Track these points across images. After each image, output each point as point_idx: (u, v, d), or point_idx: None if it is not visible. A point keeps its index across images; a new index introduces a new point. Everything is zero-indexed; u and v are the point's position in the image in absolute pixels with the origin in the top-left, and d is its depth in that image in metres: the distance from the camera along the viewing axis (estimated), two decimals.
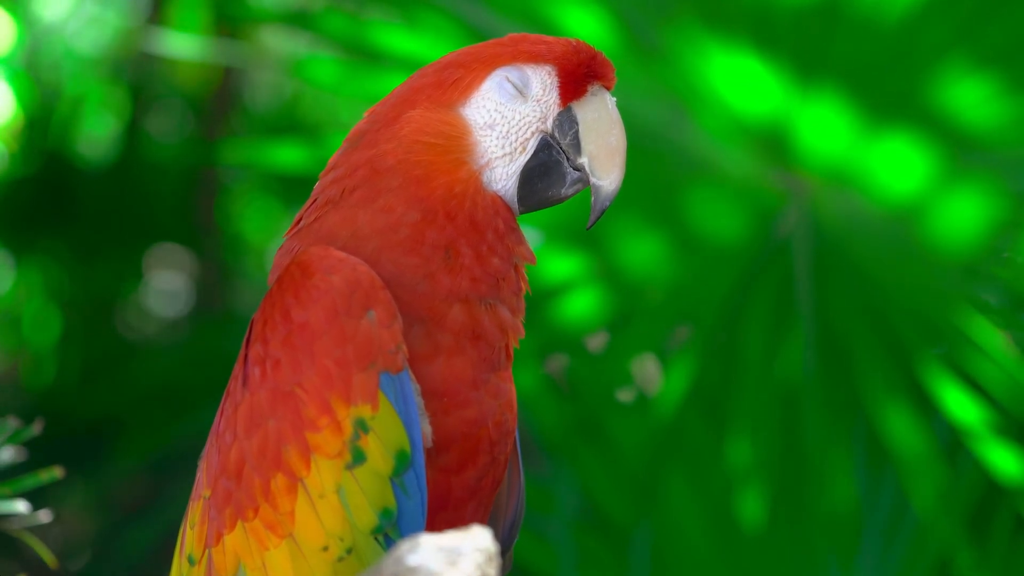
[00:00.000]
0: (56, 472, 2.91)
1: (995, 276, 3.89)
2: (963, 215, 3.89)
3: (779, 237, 4.03)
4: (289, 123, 7.88)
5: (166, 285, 7.65)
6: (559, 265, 4.13)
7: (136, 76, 7.58)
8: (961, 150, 3.88)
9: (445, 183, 2.27)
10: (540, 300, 4.09)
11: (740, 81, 3.98)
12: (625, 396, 4.30)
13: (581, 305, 4.15)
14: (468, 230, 2.27)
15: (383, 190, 2.28)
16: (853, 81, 3.92)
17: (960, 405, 3.92)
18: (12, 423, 2.92)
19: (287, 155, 4.43)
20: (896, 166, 3.93)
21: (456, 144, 2.29)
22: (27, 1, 7.55)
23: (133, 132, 7.32)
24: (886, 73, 3.92)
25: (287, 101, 8.24)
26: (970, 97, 3.87)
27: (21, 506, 2.88)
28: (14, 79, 7.05)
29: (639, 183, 4.04)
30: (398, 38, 4.08)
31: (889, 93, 3.93)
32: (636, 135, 3.58)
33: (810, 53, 3.92)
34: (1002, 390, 3.89)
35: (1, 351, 7.57)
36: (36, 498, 3.03)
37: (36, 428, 2.92)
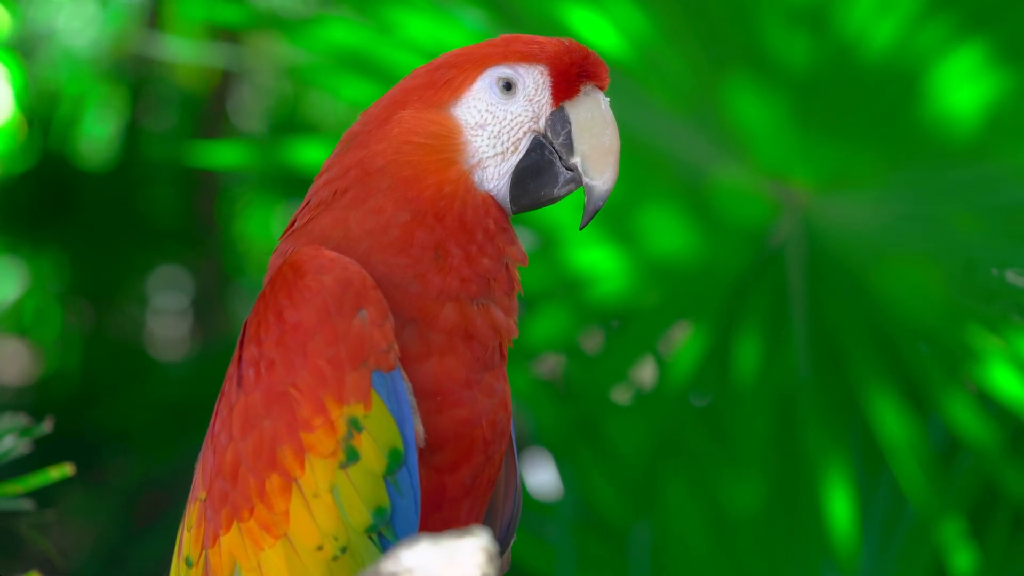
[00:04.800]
0: (66, 469, 2.90)
1: (989, 284, 3.90)
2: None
3: (773, 246, 4.03)
4: (288, 124, 7.89)
5: (166, 286, 7.66)
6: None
7: (135, 76, 7.59)
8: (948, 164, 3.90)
9: (434, 183, 2.27)
10: (534, 301, 4.10)
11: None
12: (623, 397, 4.30)
13: (576, 308, 4.16)
14: (457, 231, 2.27)
15: (374, 191, 2.28)
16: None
17: (956, 409, 3.92)
18: (22, 420, 2.91)
19: (286, 156, 4.44)
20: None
21: (446, 144, 2.28)
22: (27, 1, 7.56)
23: (133, 132, 7.33)
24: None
25: (286, 102, 8.25)
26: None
27: (27, 504, 2.87)
28: (14, 79, 7.06)
29: (636, 188, 4.05)
30: (391, 42, 4.09)
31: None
32: (633, 142, 3.61)
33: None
34: (998, 395, 3.90)
35: (1, 350, 7.58)
36: (43, 503, 3.02)
37: (47, 426, 2.91)
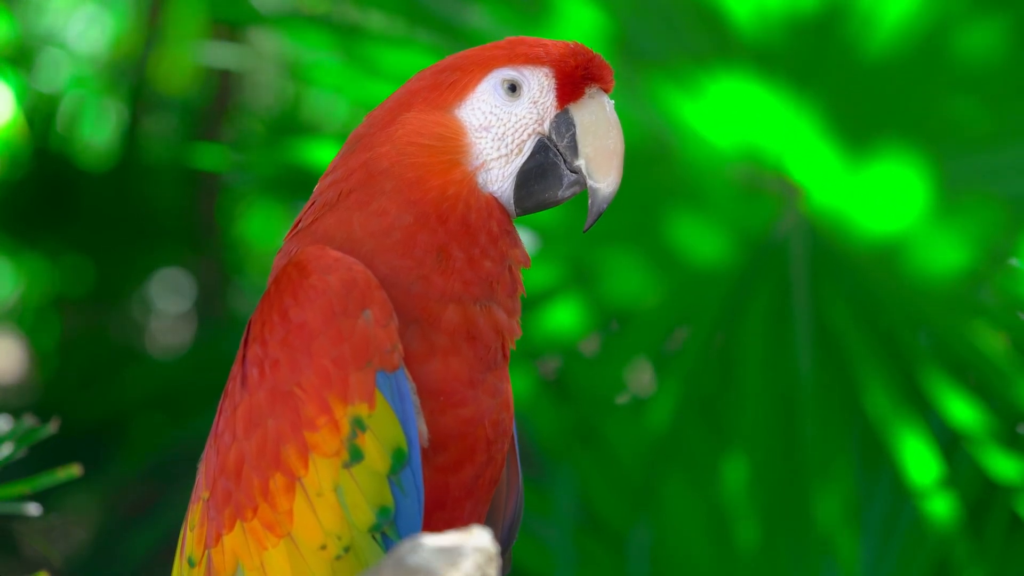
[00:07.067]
0: (74, 470, 2.89)
1: (992, 279, 3.90)
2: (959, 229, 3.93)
3: (775, 241, 4.04)
4: (289, 125, 7.88)
5: (167, 287, 7.66)
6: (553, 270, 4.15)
7: (136, 78, 7.59)
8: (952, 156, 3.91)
9: (438, 185, 2.27)
10: (534, 303, 4.10)
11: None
12: (621, 399, 4.30)
13: (576, 310, 4.16)
14: (460, 233, 2.27)
15: (378, 193, 2.28)
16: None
17: (957, 406, 3.93)
18: (28, 421, 2.91)
19: (287, 157, 4.45)
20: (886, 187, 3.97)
21: (450, 145, 2.28)
22: (27, 3, 7.56)
23: (133, 134, 7.33)
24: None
25: (287, 103, 8.25)
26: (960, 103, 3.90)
27: (33, 508, 2.86)
28: (14, 81, 7.06)
29: (636, 187, 4.05)
30: (394, 42, 4.10)
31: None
32: (631, 140, 3.61)
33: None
34: (999, 391, 3.91)
35: (2, 352, 7.58)
36: (38, 501, 3.02)
37: (52, 427, 2.90)
